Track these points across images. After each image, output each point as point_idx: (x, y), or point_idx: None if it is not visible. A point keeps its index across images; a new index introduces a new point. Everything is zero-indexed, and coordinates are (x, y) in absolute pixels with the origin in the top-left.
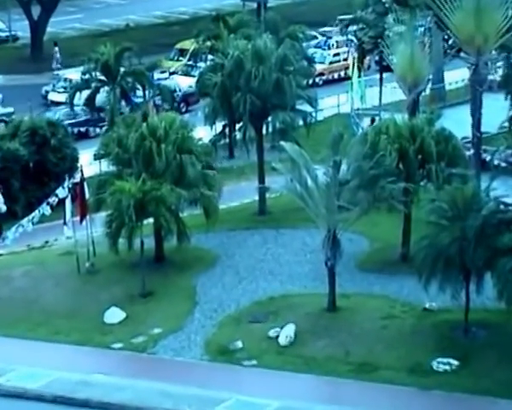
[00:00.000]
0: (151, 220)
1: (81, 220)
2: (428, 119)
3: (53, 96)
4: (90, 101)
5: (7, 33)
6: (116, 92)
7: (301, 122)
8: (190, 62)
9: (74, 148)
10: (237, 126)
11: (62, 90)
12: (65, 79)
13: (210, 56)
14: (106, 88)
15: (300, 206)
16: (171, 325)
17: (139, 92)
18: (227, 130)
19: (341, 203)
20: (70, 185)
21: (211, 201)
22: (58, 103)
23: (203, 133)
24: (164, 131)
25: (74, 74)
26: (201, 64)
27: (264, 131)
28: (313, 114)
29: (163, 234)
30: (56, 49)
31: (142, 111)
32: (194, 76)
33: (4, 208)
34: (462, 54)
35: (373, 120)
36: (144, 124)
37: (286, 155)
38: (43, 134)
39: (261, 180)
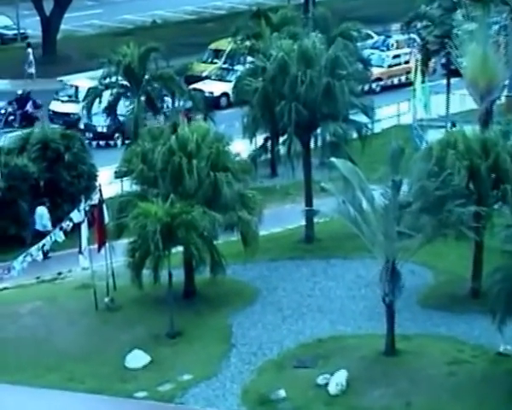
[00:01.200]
0: (180, 249)
1: (99, 248)
2: (504, 131)
3: (55, 107)
4: (110, 109)
5: (15, 31)
6: (140, 99)
7: (355, 135)
8: (226, 65)
9: (92, 164)
10: (281, 139)
11: (66, 99)
12: (70, 86)
13: (249, 58)
14: (128, 94)
15: (354, 232)
16: (203, 370)
17: (167, 99)
18: (269, 143)
19: (402, 229)
20: (87, 208)
21: (250, 226)
22: (61, 115)
23: (241, 147)
24: (196, 144)
25: (82, 81)
26: (239, 67)
27: (311, 145)
28: (369, 126)
29: (194, 265)
30: (29, 50)
31: (170, 121)
32: (230, 81)
33: (49, 225)
34: None
35: (453, 125)
36: (173, 136)
37: (337, 172)
38: (55, 148)
39: (308, 202)
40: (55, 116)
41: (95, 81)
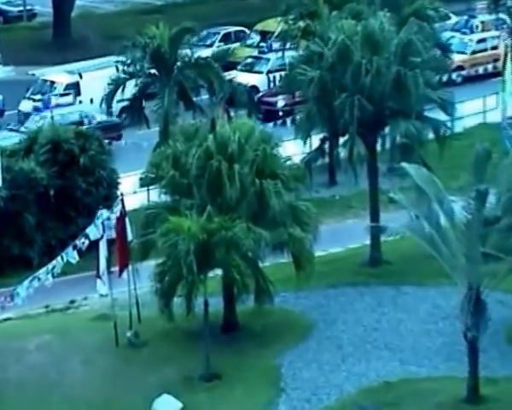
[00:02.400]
0: (219, 272)
1: (121, 272)
2: None
3: (24, 106)
4: (135, 102)
5: (20, 8)
6: (171, 91)
7: (431, 135)
8: (255, 54)
9: (113, 169)
10: (341, 140)
11: (39, 97)
12: (44, 82)
13: (303, 42)
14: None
15: (429, 254)
16: None
17: (204, 91)
18: (326, 145)
19: (488, 250)
20: (106, 222)
21: (303, 245)
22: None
23: (293, 149)
24: (238, 146)
25: (59, 76)
26: (272, 55)
27: (378, 148)
28: (448, 124)
29: (236, 292)
30: None
31: (207, 118)
32: (261, 72)
33: (130, 237)
34: None
35: None
36: (211, 136)
37: (409, 181)
38: (68, 149)
39: (374, 217)
40: (24, 117)
41: (74, 76)
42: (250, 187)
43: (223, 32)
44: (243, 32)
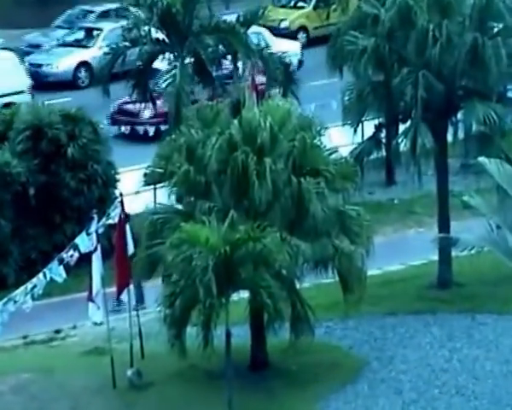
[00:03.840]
0: (245, 295)
1: (119, 293)
2: None
3: None
4: (139, 77)
5: None
6: (185, 63)
7: None
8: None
9: (110, 162)
10: (401, 128)
11: None
12: None
13: (353, 1)
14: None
15: None
16: None
17: (227, 63)
18: (383, 134)
19: None
20: (101, 230)
21: (352, 261)
22: None
23: (340, 139)
24: (270, 134)
25: None
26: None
27: (449, 138)
28: None
29: (266, 320)
30: None
31: (231, 98)
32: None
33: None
34: None
35: None
36: (235, 121)
37: (489, 180)
38: (53, 137)
39: (443, 226)
40: None
41: None
42: (285, 187)
43: None
44: None
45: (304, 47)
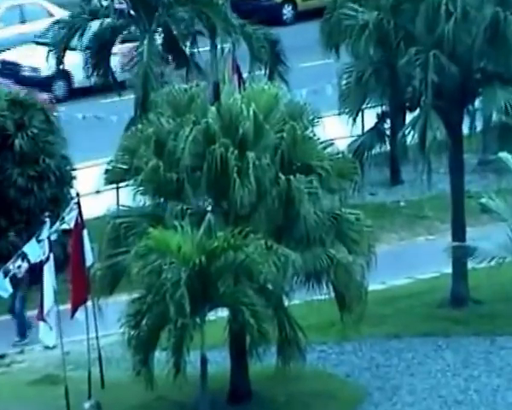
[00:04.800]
0: (224, 314)
1: (74, 310)
2: None
3: None
4: (101, 56)
5: None
6: (154, 39)
7: None
8: None
9: (64, 156)
10: (408, 118)
11: None
12: None
13: None
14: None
15: None
16: None
17: (203, 40)
18: (386, 125)
19: None
20: (54, 236)
21: (351, 274)
22: None
23: (336, 130)
24: (254, 124)
25: None
26: None
27: (465, 130)
28: None
29: (249, 343)
30: None
31: (208, 80)
32: None
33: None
34: None
35: None
36: (213, 108)
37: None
38: None
39: (458, 233)
40: None
41: None
42: (271, 186)
43: None
44: None
45: (291, 22)
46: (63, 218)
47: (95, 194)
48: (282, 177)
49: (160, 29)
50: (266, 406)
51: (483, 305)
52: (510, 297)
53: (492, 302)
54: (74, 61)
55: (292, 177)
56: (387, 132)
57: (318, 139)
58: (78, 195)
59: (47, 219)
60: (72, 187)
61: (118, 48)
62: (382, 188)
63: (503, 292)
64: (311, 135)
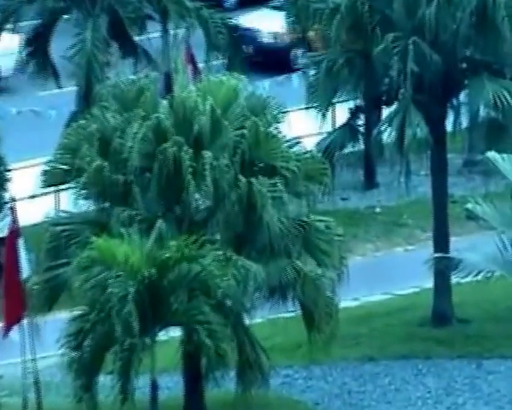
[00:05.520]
0: (177, 333)
1: (8, 329)
2: None
3: None
4: (37, 43)
5: None
6: (99, 24)
7: None
8: None
9: None
10: (385, 113)
11: None
12: None
13: None
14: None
15: None
16: None
17: (154, 26)
18: (360, 121)
19: None
20: None
21: (319, 289)
22: None
23: (302, 126)
24: (211, 120)
25: None
26: None
27: (448, 127)
28: None
29: (205, 366)
30: None
31: (159, 71)
32: None
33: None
34: None
35: None
36: (165, 102)
37: (501, 183)
38: None
39: (441, 242)
40: None
41: None
42: (231, 189)
43: None
44: None
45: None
46: None
47: (31, 198)
48: (243, 179)
49: (104, 13)
50: None
51: (469, 324)
52: (499, 316)
53: (479, 321)
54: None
55: (253, 179)
56: (361, 129)
57: (283, 137)
58: (13, 199)
59: None
60: (6, 190)
61: None
62: (355, 192)
63: (492, 310)
64: (276, 132)
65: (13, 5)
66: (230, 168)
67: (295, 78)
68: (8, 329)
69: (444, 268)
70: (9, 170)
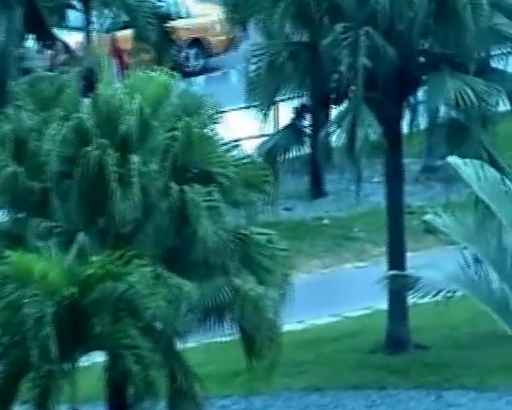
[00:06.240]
0: (101, 359)
1: None
2: None
3: None
4: None
5: None
6: (14, 14)
7: (508, 105)
8: None
9: None
10: (334, 113)
11: None
12: None
13: None
14: None
15: (500, 330)
16: None
17: (74, 14)
18: (306, 122)
19: None
20: None
21: (260, 311)
22: None
23: (241, 127)
24: (139, 120)
25: None
26: None
27: (404, 129)
28: None
29: (132, 396)
30: None
31: (81, 65)
32: None
33: None
34: None
35: None
36: (88, 101)
37: (464, 192)
38: None
39: (396, 259)
40: None
41: None
42: (161, 198)
43: None
44: None
45: None
46: None
47: None
48: (175, 186)
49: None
50: None
51: (427, 351)
52: (460, 342)
53: (439, 348)
54: None
55: (186, 187)
56: (307, 131)
57: (220, 140)
58: None
59: None
60: None
61: None
62: (301, 201)
63: (452, 335)
64: (212, 134)
65: None
66: (161, 175)
67: (234, 74)
68: None
69: (399, 288)
70: None
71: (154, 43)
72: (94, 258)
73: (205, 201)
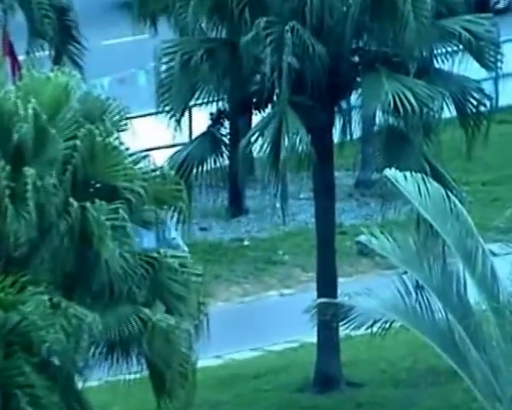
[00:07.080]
0: None
1: None
2: None
3: None
4: None
5: None
6: None
7: (450, 111)
8: None
9: None
10: (255, 119)
11: None
12: None
13: None
14: None
15: (444, 365)
16: None
17: None
18: (223, 129)
19: None
20: None
21: (172, 344)
22: None
23: (151, 135)
24: (35, 128)
25: None
26: None
27: (335, 138)
28: (487, 90)
29: None
30: None
31: None
32: None
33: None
34: None
35: None
36: None
37: (403, 209)
38: None
39: (326, 285)
40: None
41: None
42: (60, 217)
43: None
44: None
45: None
46: None
47: None
48: (75, 203)
49: None
50: None
51: (361, 389)
52: (398, 378)
53: (374, 385)
54: None
55: (88, 203)
56: (226, 140)
57: (127, 150)
58: None
59: None
60: None
61: None
62: (218, 220)
63: (389, 371)
64: (117, 143)
65: None
66: (59, 190)
67: (142, 74)
68: None
69: (330, 318)
70: None
71: (51, 39)
72: None
73: (109, 219)
